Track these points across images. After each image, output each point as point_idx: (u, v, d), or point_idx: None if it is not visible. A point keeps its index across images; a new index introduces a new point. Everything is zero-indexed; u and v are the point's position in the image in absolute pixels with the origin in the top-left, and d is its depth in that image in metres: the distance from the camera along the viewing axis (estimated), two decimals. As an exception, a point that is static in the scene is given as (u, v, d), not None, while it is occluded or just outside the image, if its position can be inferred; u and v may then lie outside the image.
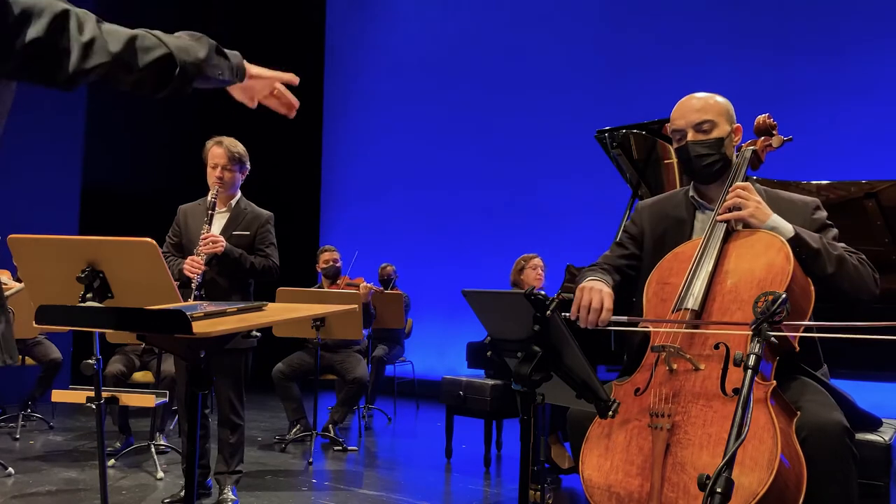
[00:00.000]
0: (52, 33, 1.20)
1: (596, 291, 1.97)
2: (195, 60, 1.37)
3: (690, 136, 2.10)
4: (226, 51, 1.46)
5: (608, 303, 1.96)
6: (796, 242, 1.88)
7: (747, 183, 2.04)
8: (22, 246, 2.15)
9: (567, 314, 1.93)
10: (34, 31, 1.19)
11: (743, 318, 1.78)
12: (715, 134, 2.08)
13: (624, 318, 1.91)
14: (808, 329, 1.85)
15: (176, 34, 1.39)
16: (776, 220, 1.94)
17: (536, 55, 8.07)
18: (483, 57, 8.42)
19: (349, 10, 9.75)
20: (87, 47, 1.24)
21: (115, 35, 1.28)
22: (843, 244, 1.98)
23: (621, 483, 1.75)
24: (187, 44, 1.37)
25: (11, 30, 1.18)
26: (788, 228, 1.92)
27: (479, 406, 4.34)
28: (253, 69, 1.55)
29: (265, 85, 1.59)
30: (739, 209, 1.96)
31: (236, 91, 1.57)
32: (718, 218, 2.00)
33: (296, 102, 1.65)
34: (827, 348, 2.06)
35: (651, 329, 1.95)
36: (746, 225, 1.98)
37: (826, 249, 1.91)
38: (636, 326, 2.01)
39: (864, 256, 1.97)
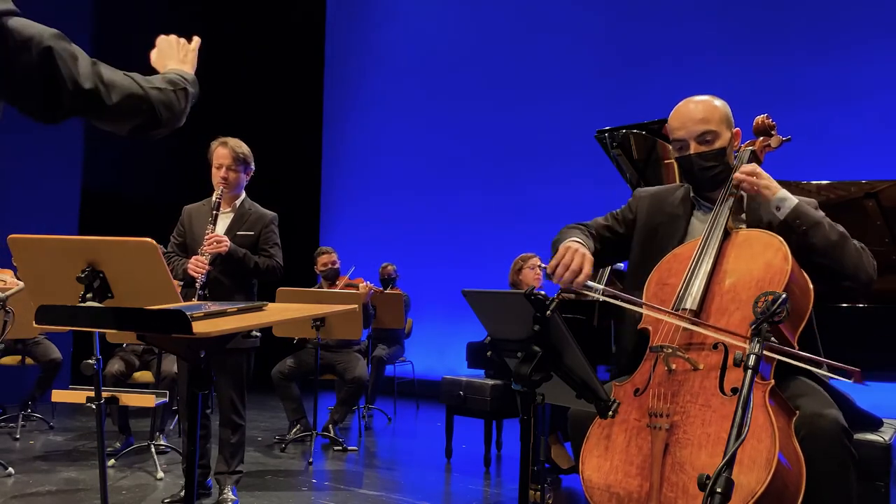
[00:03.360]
0: (47, 72, 1.23)
1: (580, 254, 1.93)
2: (173, 116, 1.45)
3: (693, 147, 2.08)
4: (189, 85, 1.53)
5: (587, 268, 1.92)
6: (798, 213, 1.93)
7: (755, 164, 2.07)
8: (22, 246, 2.15)
9: (559, 311, 1.91)
10: (29, 64, 1.21)
11: (742, 317, 1.79)
12: (718, 144, 2.07)
13: (600, 287, 1.87)
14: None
15: (161, 82, 1.45)
16: (784, 192, 1.98)
17: (536, 56, 8.07)
18: (483, 58, 8.42)
19: (349, 10, 9.75)
20: (84, 95, 1.27)
21: (113, 87, 1.33)
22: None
23: (621, 483, 1.76)
24: (170, 99, 1.45)
25: (10, 57, 1.19)
26: (793, 199, 1.97)
27: (479, 406, 4.34)
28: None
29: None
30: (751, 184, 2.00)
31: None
32: (734, 175, 2.01)
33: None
34: (826, 349, 2.06)
35: (649, 327, 1.95)
36: (752, 198, 2.01)
37: (828, 223, 1.96)
38: (613, 298, 1.90)
39: (863, 244, 1.99)
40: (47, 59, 1.22)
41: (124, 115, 1.35)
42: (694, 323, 1.83)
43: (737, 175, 2.01)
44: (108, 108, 1.31)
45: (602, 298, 1.87)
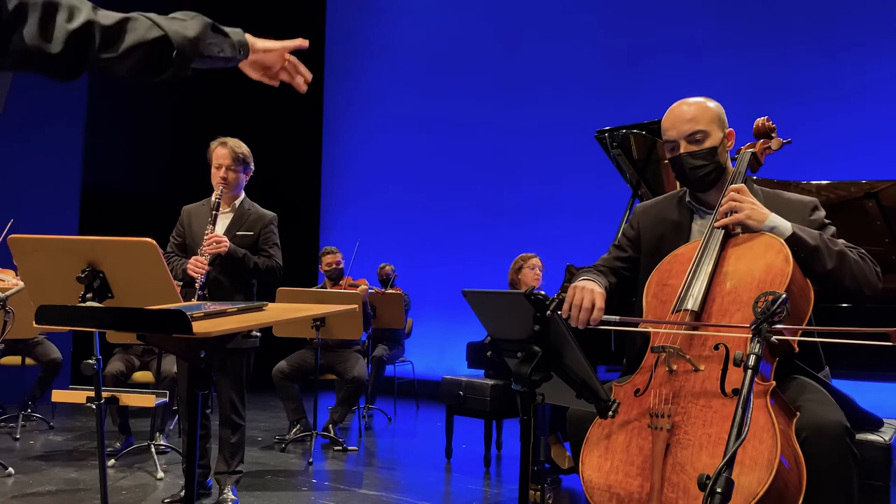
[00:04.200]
0: (43, 26, 1.20)
1: (588, 291, 1.97)
2: (191, 40, 1.35)
3: (683, 147, 2.07)
4: (225, 28, 1.44)
5: (599, 302, 1.96)
6: (794, 241, 1.88)
7: (741, 185, 2.03)
8: (22, 246, 2.15)
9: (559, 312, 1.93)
10: (28, 26, 1.18)
11: (742, 319, 1.78)
12: (708, 143, 2.06)
13: (615, 318, 1.92)
14: (806, 333, 1.85)
15: (170, 15, 1.38)
16: (774, 219, 1.93)
17: (536, 55, 8.07)
18: (483, 57, 8.42)
19: (349, 9, 9.75)
20: (79, 35, 1.23)
21: (108, 20, 1.27)
22: (842, 240, 1.97)
23: (621, 483, 1.75)
24: (181, 24, 1.35)
25: (7, 26, 1.17)
26: (787, 227, 1.91)
27: (479, 406, 4.34)
28: (259, 43, 1.52)
29: (276, 57, 1.56)
30: (735, 213, 1.96)
31: (250, 70, 1.54)
32: (716, 225, 1.99)
33: (308, 74, 1.62)
34: (828, 349, 2.06)
35: (650, 329, 1.95)
36: (745, 228, 1.97)
37: (826, 245, 1.90)
38: (629, 326, 2.00)
39: (864, 251, 1.97)
40: (43, 17, 1.17)
41: (128, 44, 1.26)
42: (695, 327, 1.84)
43: (717, 217, 2.00)
44: (105, 42, 1.23)
45: (620, 328, 1.92)
